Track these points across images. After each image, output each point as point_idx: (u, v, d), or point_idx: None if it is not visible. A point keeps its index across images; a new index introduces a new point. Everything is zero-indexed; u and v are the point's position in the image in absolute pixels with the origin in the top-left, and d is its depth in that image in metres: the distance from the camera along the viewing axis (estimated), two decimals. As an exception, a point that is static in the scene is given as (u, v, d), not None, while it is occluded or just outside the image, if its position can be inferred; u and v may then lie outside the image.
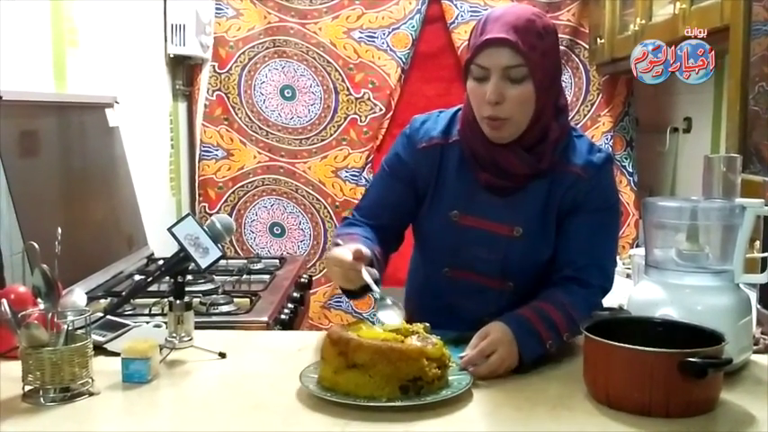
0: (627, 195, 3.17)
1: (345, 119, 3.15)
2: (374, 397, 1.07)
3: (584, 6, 3.10)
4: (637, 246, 2.94)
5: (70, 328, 1.15)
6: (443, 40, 3.14)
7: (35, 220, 1.66)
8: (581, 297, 1.29)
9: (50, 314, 1.15)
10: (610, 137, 3.16)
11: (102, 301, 1.78)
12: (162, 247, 2.34)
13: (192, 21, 2.83)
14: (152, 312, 1.71)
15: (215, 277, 2.04)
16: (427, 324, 1.20)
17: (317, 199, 3.18)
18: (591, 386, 1.11)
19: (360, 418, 1.04)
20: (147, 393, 1.15)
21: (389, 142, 2.76)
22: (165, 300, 1.52)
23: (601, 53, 2.85)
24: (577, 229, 1.33)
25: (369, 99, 3.14)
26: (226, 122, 3.16)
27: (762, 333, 1.34)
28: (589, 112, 3.17)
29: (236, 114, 3.16)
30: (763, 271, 1.25)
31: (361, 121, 3.14)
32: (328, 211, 3.19)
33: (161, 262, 2.17)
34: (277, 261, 2.42)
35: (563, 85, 3.12)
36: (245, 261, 2.38)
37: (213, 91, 3.13)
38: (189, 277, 1.78)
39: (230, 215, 3.15)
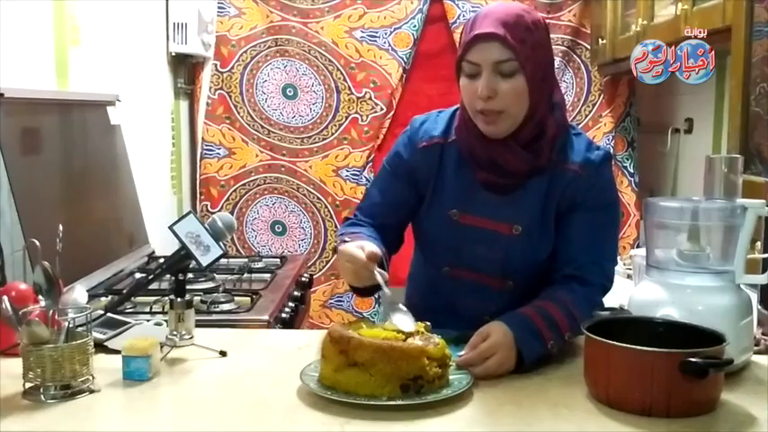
0: (628, 196, 3.17)
1: (347, 118, 3.16)
2: (375, 396, 1.07)
3: (585, 7, 3.10)
4: (638, 246, 2.94)
5: (71, 325, 1.15)
6: (445, 39, 3.14)
7: (36, 217, 1.66)
8: (582, 296, 1.29)
9: (51, 311, 1.15)
10: (611, 137, 3.16)
11: (103, 298, 1.78)
12: (163, 245, 2.35)
13: (194, 19, 2.83)
14: (153, 310, 1.71)
15: (216, 276, 2.05)
16: (428, 323, 1.20)
17: (318, 198, 3.18)
18: (592, 386, 1.11)
19: (360, 416, 1.04)
20: (148, 391, 1.15)
21: (390, 142, 2.76)
22: (166, 298, 1.53)
23: (602, 54, 2.85)
24: (577, 228, 1.33)
25: (370, 98, 3.14)
26: (228, 121, 3.16)
27: (762, 334, 1.34)
28: (590, 112, 3.17)
29: (238, 113, 3.16)
30: (764, 272, 1.25)
31: (362, 120, 3.15)
32: (329, 210, 3.19)
33: (162, 260, 2.17)
34: (278, 260, 2.42)
35: (563, 84, 3.17)
36: (246, 260, 2.38)
37: (215, 90, 3.14)
38: (190, 275, 1.78)
39: (232, 213, 3.15)
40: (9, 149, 1.63)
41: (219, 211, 3.16)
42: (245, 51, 3.13)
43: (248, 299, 1.85)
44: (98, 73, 2.17)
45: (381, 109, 3.13)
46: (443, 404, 1.07)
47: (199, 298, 1.76)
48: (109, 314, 1.39)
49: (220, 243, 1.30)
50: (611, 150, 3.12)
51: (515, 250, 1.34)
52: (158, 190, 2.75)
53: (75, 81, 2.03)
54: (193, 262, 1.29)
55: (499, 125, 1.29)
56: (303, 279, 2.31)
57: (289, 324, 1.89)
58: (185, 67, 3.03)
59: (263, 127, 3.17)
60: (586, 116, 3.17)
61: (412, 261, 1.54)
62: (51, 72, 1.93)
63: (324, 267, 3.21)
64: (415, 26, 3.10)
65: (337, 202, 3.18)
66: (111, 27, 2.28)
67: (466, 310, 1.36)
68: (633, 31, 2.42)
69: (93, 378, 1.14)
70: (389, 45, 3.12)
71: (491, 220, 1.34)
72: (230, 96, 3.15)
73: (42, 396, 1.10)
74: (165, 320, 1.35)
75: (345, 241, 1.27)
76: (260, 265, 2.33)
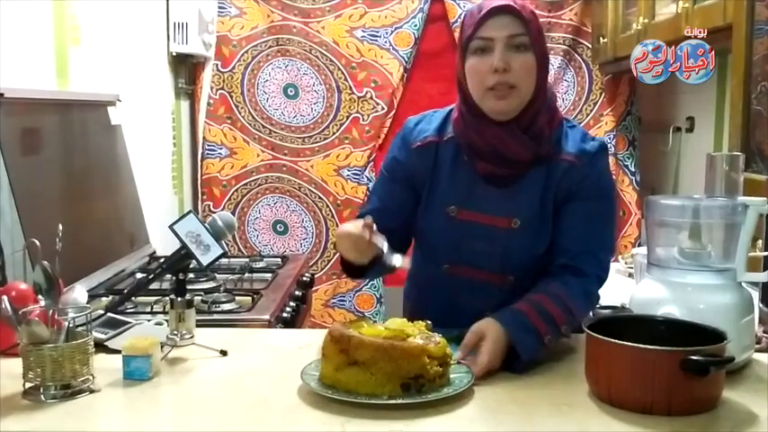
0: (629, 195, 3.17)
1: (348, 117, 3.16)
2: (375, 394, 1.07)
3: (586, 6, 3.10)
4: (639, 245, 2.93)
5: (71, 325, 1.15)
6: (446, 38, 3.14)
7: (37, 217, 1.66)
8: (577, 287, 1.29)
9: (51, 311, 1.15)
10: (612, 136, 3.15)
11: (104, 298, 1.78)
12: (164, 245, 2.34)
13: (194, 19, 2.83)
14: (153, 310, 1.71)
15: (217, 275, 2.05)
16: (429, 322, 1.19)
17: (320, 197, 3.18)
18: (593, 384, 1.11)
19: (360, 416, 1.04)
20: (148, 391, 1.15)
21: (391, 141, 2.75)
22: (167, 297, 1.52)
23: (603, 52, 2.85)
24: (572, 217, 1.33)
25: (371, 98, 3.14)
26: (229, 121, 3.16)
27: (764, 332, 1.33)
28: (592, 111, 3.16)
29: (240, 113, 3.16)
30: (765, 269, 1.25)
31: (363, 119, 3.14)
32: (330, 210, 3.19)
33: (163, 260, 2.17)
34: (279, 259, 2.42)
35: (564, 83, 3.17)
36: (248, 259, 2.38)
37: (216, 89, 3.14)
38: (191, 275, 1.78)
39: (233, 213, 3.16)
40: (9, 149, 1.63)
41: (222, 210, 3.16)
42: (246, 51, 3.13)
43: (249, 298, 1.85)
44: (98, 73, 2.17)
45: (382, 108, 3.13)
46: (444, 403, 1.07)
47: (200, 298, 1.76)
48: (109, 314, 1.39)
49: (221, 242, 1.30)
50: (612, 146, 3.13)
51: (515, 244, 1.34)
52: (159, 190, 2.75)
53: (76, 81, 2.03)
54: (194, 261, 1.29)
55: (510, 101, 1.29)
56: (304, 278, 2.31)
57: (290, 324, 1.89)
58: (186, 67, 3.03)
59: (264, 127, 3.17)
60: (588, 115, 3.16)
61: (411, 260, 1.54)
62: (51, 72, 1.93)
63: (325, 266, 3.21)
64: (415, 25, 3.10)
65: (339, 202, 3.18)
66: (112, 27, 2.28)
67: (467, 307, 1.35)
68: (634, 30, 2.42)
69: (94, 378, 1.14)
70: (390, 44, 3.11)
71: (489, 214, 1.34)
72: (231, 96, 3.15)
73: (42, 396, 1.10)
74: (166, 320, 1.35)
75: None
76: (261, 264, 2.33)
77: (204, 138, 3.15)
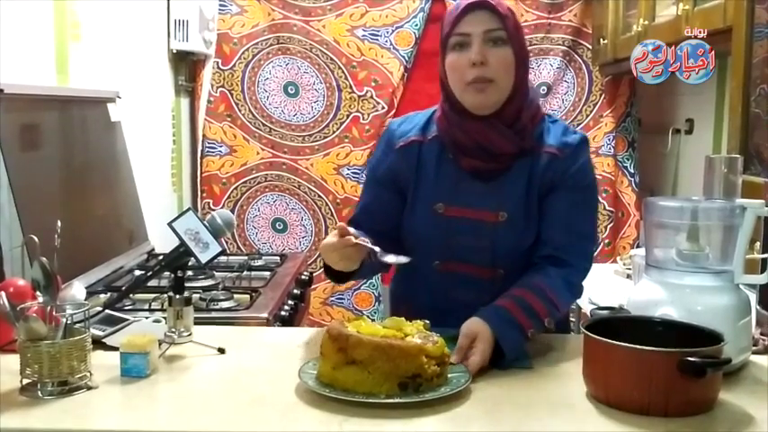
0: (628, 196, 3.17)
1: (348, 116, 3.16)
2: (373, 393, 1.07)
3: (586, 7, 3.10)
4: (638, 246, 2.94)
5: (69, 321, 1.15)
6: (446, 38, 3.14)
7: (35, 213, 1.66)
8: (560, 279, 1.31)
9: (49, 307, 1.15)
10: (612, 137, 3.15)
11: (102, 295, 1.78)
12: (163, 242, 2.34)
13: (195, 17, 2.83)
14: (152, 307, 1.72)
15: (215, 273, 2.05)
16: (427, 321, 1.19)
17: (319, 196, 3.19)
18: (590, 385, 1.11)
19: (358, 414, 1.04)
20: (146, 388, 1.15)
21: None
22: (165, 295, 1.52)
23: (603, 54, 2.85)
24: (555, 208, 1.35)
25: (371, 97, 3.14)
26: (229, 119, 3.16)
27: (761, 334, 1.33)
28: (591, 112, 3.17)
29: (240, 111, 3.16)
30: (762, 272, 1.25)
31: (363, 118, 3.15)
32: (330, 208, 3.19)
33: (161, 257, 2.17)
34: (278, 258, 2.42)
35: (564, 84, 3.17)
36: (246, 257, 2.38)
37: (217, 87, 3.14)
38: (189, 273, 1.78)
39: (233, 211, 3.16)
40: (8, 145, 1.63)
41: (221, 208, 3.16)
42: (247, 49, 3.13)
43: (247, 296, 1.86)
44: (98, 69, 2.17)
45: (383, 107, 3.13)
46: (441, 402, 1.07)
47: (198, 295, 1.76)
48: (107, 311, 1.39)
49: (219, 240, 1.30)
50: (611, 147, 3.13)
51: (502, 237, 1.36)
52: (158, 187, 2.75)
53: (76, 77, 2.03)
54: (192, 259, 1.29)
55: (488, 94, 1.31)
56: (303, 277, 2.31)
57: (288, 322, 1.89)
58: (186, 65, 3.03)
59: (264, 125, 3.17)
60: (587, 116, 3.16)
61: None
62: (51, 68, 1.93)
63: (323, 266, 3.20)
64: (416, 25, 3.10)
65: (338, 200, 3.18)
66: (112, 23, 2.28)
67: (458, 303, 1.36)
68: (634, 32, 2.42)
69: (91, 375, 1.14)
70: (391, 44, 3.12)
71: (476, 209, 1.36)
72: (232, 94, 3.15)
73: (39, 392, 1.10)
74: (164, 317, 1.35)
75: None
76: (260, 262, 2.34)
77: (204, 135, 3.16)
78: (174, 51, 2.86)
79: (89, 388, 1.12)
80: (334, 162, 3.17)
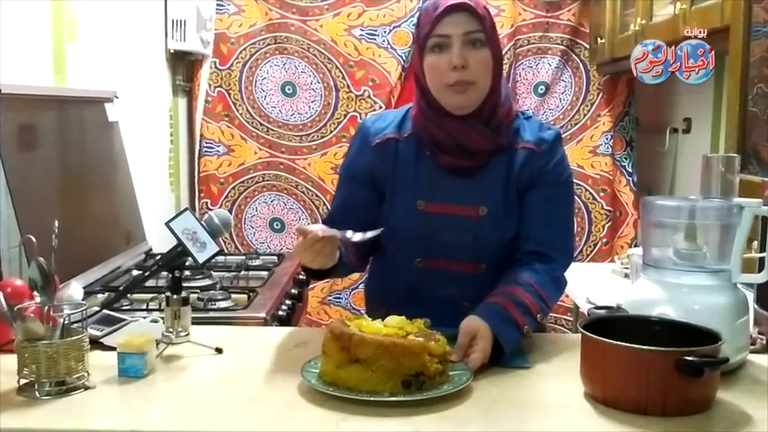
0: (626, 195, 3.17)
1: (345, 116, 3.16)
2: (376, 392, 1.07)
3: (584, 6, 3.10)
4: (635, 245, 2.94)
5: (66, 321, 1.14)
6: (444, 38, 3.14)
7: (33, 213, 1.66)
8: (547, 275, 1.33)
9: (47, 307, 1.15)
10: (610, 137, 3.16)
11: (100, 295, 1.77)
12: (160, 242, 2.34)
13: (192, 16, 2.83)
14: (149, 307, 1.72)
15: (213, 273, 2.05)
16: (427, 320, 1.20)
17: (317, 195, 3.18)
18: (588, 384, 1.11)
19: (356, 414, 1.04)
20: (143, 388, 1.15)
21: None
22: (163, 295, 1.52)
23: (601, 53, 2.85)
24: (535, 204, 1.37)
25: (369, 96, 3.14)
26: (227, 119, 3.16)
27: (759, 333, 1.33)
28: (589, 111, 3.17)
29: (237, 110, 3.16)
30: (760, 271, 1.25)
31: (361, 118, 3.14)
32: (327, 208, 3.19)
33: (159, 257, 2.17)
34: (275, 257, 2.42)
35: (562, 83, 3.17)
36: (244, 257, 2.38)
37: (214, 87, 3.13)
38: (187, 273, 1.78)
39: (231, 211, 3.16)
40: (6, 145, 1.63)
41: (219, 207, 3.16)
42: (245, 49, 3.13)
43: (245, 296, 1.85)
44: (96, 69, 2.17)
45: (380, 107, 3.13)
46: (439, 402, 1.07)
47: (195, 295, 1.76)
48: (105, 311, 1.39)
49: (217, 240, 1.30)
50: (609, 146, 3.13)
51: (484, 231, 1.36)
52: (156, 187, 2.75)
53: (73, 77, 2.03)
54: (190, 259, 1.29)
55: (469, 95, 1.32)
56: (301, 277, 2.31)
57: (286, 322, 1.89)
58: (184, 65, 3.03)
59: (261, 124, 3.17)
60: (585, 115, 3.17)
61: (372, 264, 1.54)
62: (49, 68, 1.93)
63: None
64: (414, 24, 3.09)
65: (335, 200, 3.17)
66: (110, 23, 2.28)
67: (442, 299, 1.37)
68: (632, 31, 2.42)
69: (89, 375, 1.14)
70: (388, 43, 3.12)
71: (457, 204, 1.36)
72: (229, 94, 3.15)
73: (37, 392, 1.10)
74: (162, 317, 1.35)
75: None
76: (257, 262, 2.33)
77: (202, 135, 3.15)
78: (172, 51, 2.86)
79: (86, 388, 1.12)
80: (331, 162, 3.16)
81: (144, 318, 1.46)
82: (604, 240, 3.20)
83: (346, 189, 1.46)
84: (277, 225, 3.24)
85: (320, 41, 3.12)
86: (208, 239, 1.28)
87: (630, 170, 3.17)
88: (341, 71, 3.14)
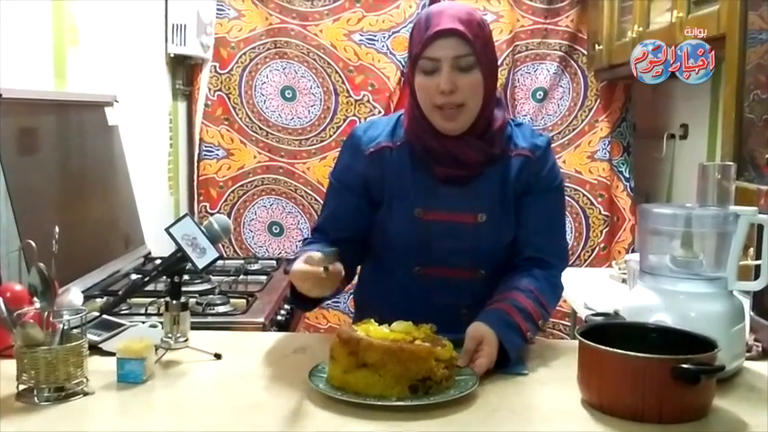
0: (623, 200, 3.18)
1: (345, 120, 3.16)
2: (384, 396, 1.08)
3: (582, 13, 3.11)
4: (633, 251, 2.94)
5: (66, 327, 1.15)
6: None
7: (32, 217, 1.66)
8: (546, 281, 1.35)
9: (46, 313, 1.15)
10: (607, 142, 3.17)
11: (99, 300, 1.78)
12: (159, 246, 2.35)
13: (192, 21, 2.84)
14: (148, 312, 1.72)
15: (212, 277, 2.05)
16: (433, 325, 1.20)
17: (316, 199, 3.19)
18: (585, 391, 1.12)
19: (355, 420, 1.04)
20: (142, 394, 1.15)
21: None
22: (162, 300, 1.52)
23: (599, 59, 2.86)
24: (532, 211, 1.39)
25: (368, 101, 3.15)
26: (226, 122, 3.16)
27: (755, 340, 1.34)
28: (587, 117, 3.18)
29: (237, 114, 3.17)
30: (756, 278, 1.25)
31: (360, 123, 3.15)
32: (326, 213, 3.19)
33: (158, 261, 2.17)
34: (274, 262, 2.42)
35: (560, 89, 3.18)
36: (242, 261, 2.38)
37: (214, 91, 3.14)
38: (185, 277, 1.78)
39: (230, 214, 3.16)
40: (6, 149, 1.63)
41: (218, 211, 3.17)
42: (245, 53, 3.14)
43: (244, 301, 1.86)
44: (96, 73, 2.18)
45: (379, 112, 3.13)
46: (436, 408, 1.07)
47: (194, 300, 1.77)
48: (104, 316, 1.39)
49: (217, 246, 1.31)
50: (607, 151, 3.15)
51: (483, 238, 1.37)
52: (155, 191, 2.76)
53: (73, 81, 2.03)
54: (189, 264, 1.29)
55: (459, 120, 1.32)
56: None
57: (284, 327, 1.90)
58: (184, 69, 3.04)
59: (261, 128, 3.18)
60: (583, 121, 3.18)
61: (365, 272, 1.54)
62: (49, 72, 1.94)
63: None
64: (412, 30, 3.10)
65: (334, 205, 3.18)
66: (110, 28, 2.28)
67: (440, 306, 1.37)
68: (629, 38, 2.43)
69: (88, 380, 1.14)
70: (388, 48, 3.12)
71: (455, 212, 1.37)
72: (229, 98, 3.16)
73: (36, 398, 1.10)
74: (161, 322, 1.35)
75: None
76: (256, 266, 2.34)
77: (201, 139, 3.16)
78: (172, 55, 2.87)
79: (85, 394, 1.13)
80: (330, 166, 3.09)
81: (143, 323, 1.46)
82: (602, 246, 3.21)
83: (338, 198, 1.44)
84: (276, 229, 3.25)
85: (320, 46, 3.13)
86: (207, 245, 1.28)
87: (628, 175, 3.17)
88: (340, 76, 3.15)
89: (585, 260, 3.21)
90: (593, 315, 1.45)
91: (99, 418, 1.09)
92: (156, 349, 1.25)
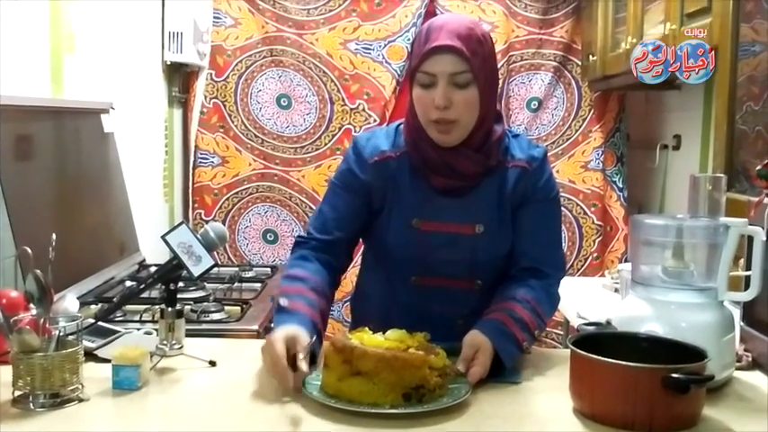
0: (617, 210, 3.20)
1: (340, 129, 3.18)
2: (377, 404, 1.09)
3: (577, 24, 3.14)
4: (626, 260, 2.96)
5: (61, 333, 1.15)
6: (438, 53, 3.16)
7: (28, 224, 1.66)
8: (543, 291, 1.36)
9: (42, 320, 1.16)
10: (601, 152, 3.19)
11: (93, 306, 1.78)
12: (153, 253, 2.35)
13: (189, 29, 2.85)
14: (143, 319, 1.72)
15: (206, 285, 2.05)
16: (427, 333, 1.21)
17: (310, 207, 3.19)
18: (576, 400, 1.13)
19: (347, 429, 1.05)
20: (137, 400, 1.15)
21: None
22: (157, 307, 1.53)
23: (593, 70, 2.89)
24: (529, 222, 1.40)
25: (363, 110, 3.16)
26: (222, 130, 3.17)
27: (744, 350, 1.35)
28: (580, 127, 3.20)
29: (232, 122, 3.18)
30: (746, 289, 1.27)
31: (355, 131, 3.16)
32: (321, 221, 3.20)
33: (153, 268, 2.17)
34: (269, 269, 2.43)
35: (554, 99, 3.21)
36: (237, 269, 2.38)
37: (210, 98, 3.15)
38: (180, 284, 1.78)
39: (224, 222, 3.17)
40: (2, 156, 1.63)
41: (213, 218, 3.17)
42: (241, 61, 3.15)
43: (238, 308, 1.86)
44: (92, 81, 2.18)
45: (375, 120, 3.15)
46: (428, 416, 1.08)
47: (189, 307, 1.77)
48: (99, 323, 1.40)
49: (212, 254, 1.31)
50: (600, 162, 3.17)
51: (480, 249, 1.38)
52: (150, 198, 2.76)
53: (70, 88, 2.04)
54: (185, 272, 1.30)
55: (452, 134, 1.33)
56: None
57: (278, 334, 1.89)
58: (180, 76, 3.05)
59: (256, 136, 3.19)
60: (576, 131, 3.20)
61: (362, 281, 1.55)
62: (46, 79, 1.94)
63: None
64: (408, 39, 3.12)
65: (329, 213, 3.18)
66: (107, 35, 2.29)
67: (437, 316, 1.38)
68: (623, 49, 2.45)
69: (83, 387, 1.15)
70: (383, 58, 3.14)
71: (453, 223, 1.38)
72: (225, 105, 3.17)
73: (31, 404, 1.10)
74: (156, 329, 1.35)
75: (282, 307, 1.25)
76: (250, 274, 2.34)
77: (197, 146, 3.16)
78: (168, 63, 2.87)
79: (81, 400, 1.13)
80: (325, 174, 3.18)
81: (138, 330, 1.47)
82: (595, 255, 3.22)
83: (341, 197, 1.43)
84: (270, 236, 3.25)
85: (316, 55, 3.14)
86: (203, 253, 1.29)
87: (621, 185, 3.20)
88: (336, 84, 3.16)
89: (578, 269, 3.22)
90: (585, 324, 1.46)
91: (94, 424, 1.10)
92: (151, 356, 1.25)
